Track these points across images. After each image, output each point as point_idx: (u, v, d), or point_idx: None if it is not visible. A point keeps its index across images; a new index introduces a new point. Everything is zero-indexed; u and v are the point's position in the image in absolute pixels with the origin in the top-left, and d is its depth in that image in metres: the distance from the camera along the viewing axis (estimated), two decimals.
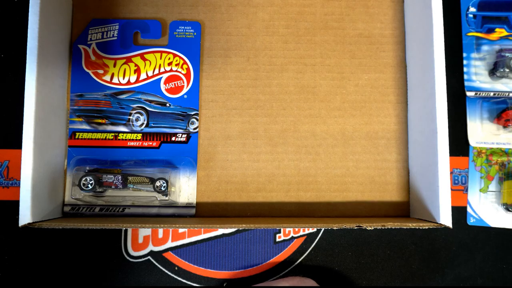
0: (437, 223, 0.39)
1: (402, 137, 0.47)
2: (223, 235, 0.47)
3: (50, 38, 0.42)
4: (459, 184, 0.48)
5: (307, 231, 0.47)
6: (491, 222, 0.47)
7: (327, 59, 0.48)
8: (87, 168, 0.44)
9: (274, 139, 0.46)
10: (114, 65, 0.45)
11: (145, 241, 0.46)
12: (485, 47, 0.49)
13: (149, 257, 0.46)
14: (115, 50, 0.45)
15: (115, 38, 0.45)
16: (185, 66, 0.45)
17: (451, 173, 0.48)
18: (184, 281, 0.46)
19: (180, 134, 0.44)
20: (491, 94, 0.48)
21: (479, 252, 0.47)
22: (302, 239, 0.47)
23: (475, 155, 0.48)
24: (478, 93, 0.49)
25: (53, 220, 0.42)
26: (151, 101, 0.44)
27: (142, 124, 0.44)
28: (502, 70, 0.47)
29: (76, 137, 0.44)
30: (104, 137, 0.44)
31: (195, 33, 0.46)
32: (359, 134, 0.47)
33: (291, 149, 0.46)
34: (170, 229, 0.47)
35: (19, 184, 0.41)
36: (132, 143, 0.44)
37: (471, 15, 0.50)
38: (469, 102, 0.49)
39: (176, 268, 0.46)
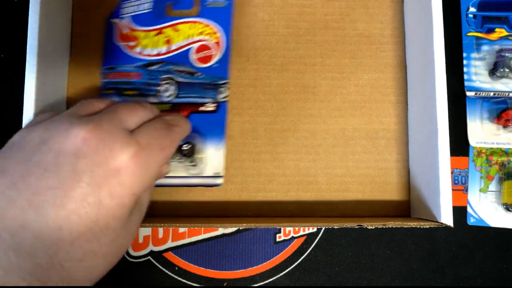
0: (438, 222, 0.39)
1: (402, 137, 0.47)
2: (223, 235, 0.47)
3: (50, 38, 0.42)
4: (459, 184, 0.48)
5: (307, 231, 0.47)
6: (491, 222, 0.47)
7: (327, 59, 0.48)
8: None
9: (274, 139, 0.46)
10: (146, 37, 0.45)
11: (145, 241, 0.46)
12: (485, 47, 0.49)
13: (149, 257, 0.46)
14: (148, 22, 0.45)
15: (148, 10, 0.45)
16: (215, 35, 0.44)
17: (451, 173, 0.48)
18: (184, 281, 0.46)
19: (209, 104, 0.44)
20: (491, 94, 0.48)
21: (479, 252, 0.47)
22: (302, 239, 0.47)
23: (475, 155, 0.48)
24: (478, 93, 0.49)
25: None
26: (180, 71, 0.44)
27: (171, 95, 0.44)
28: (502, 70, 0.47)
29: None
30: None
31: (226, 2, 0.45)
32: (359, 134, 0.47)
33: (291, 149, 0.46)
34: (170, 229, 0.46)
35: None
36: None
37: (471, 15, 0.50)
38: (469, 102, 0.49)
39: (176, 268, 0.46)
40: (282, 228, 0.47)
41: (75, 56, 0.47)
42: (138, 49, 0.44)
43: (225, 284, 0.46)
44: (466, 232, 0.48)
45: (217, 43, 0.44)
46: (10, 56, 0.48)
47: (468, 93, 0.49)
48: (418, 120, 0.45)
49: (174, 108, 0.44)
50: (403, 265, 0.47)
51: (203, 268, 0.46)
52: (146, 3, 0.45)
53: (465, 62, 0.49)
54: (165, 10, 0.45)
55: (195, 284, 0.46)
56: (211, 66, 0.44)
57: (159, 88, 0.43)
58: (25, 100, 0.39)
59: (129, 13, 0.45)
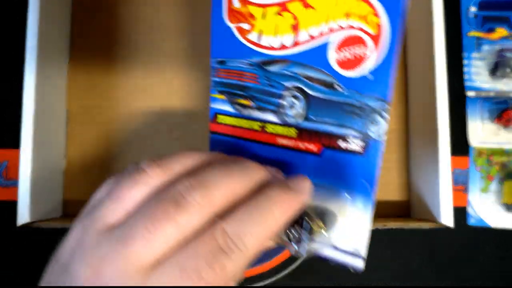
0: (438, 222, 0.39)
1: (402, 137, 0.47)
2: None
3: (50, 38, 0.42)
4: (460, 184, 0.48)
5: None
6: (491, 222, 0.47)
7: None
8: None
9: None
10: (263, 16, 0.29)
11: None
12: (485, 47, 0.49)
13: None
14: None
15: None
16: (375, 20, 0.26)
17: (451, 173, 0.48)
18: None
19: (353, 139, 0.28)
20: (492, 94, 0.48)
21: (479, 252, 0.47)
22: None
23: (475, 155, 0.48)
24: (479, 93, 0.48)
25: (52, 219, 0.42)
26: (312, 79, 0.28)
27: (298, 115, 0.29)
28: (502, 70, 0.47)
29: (218, 120, 0.32)
30: (249, 126, 0.31)
31: None
32: None
33: None
34: None
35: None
36: (283, 141, 0.30)
37: (471, 15, 0.50)
38: (470, 102, 0.49)
39: None
40: None
41: (75, 56, 0.47)
42: (253, 36, 0.30)
43: None
44: (466, 233, 0.47)
45: (377, 36, 0.26)
46: (10, 56, 0.48)
47: (469, 93, 0.49)
48: (418, 120, 0.45)
49: (301, 135, 0.29)
50: (403, 265, 0.47)
51: None
52: None
53: (465, 62, 0.49)
54: None
55: None
56: (362, 76, 0.27)
57: (281, 101, 0.30)
58: (24, 100, 0.39)
59: None
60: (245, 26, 0.30)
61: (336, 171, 0.28)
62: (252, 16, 0.30)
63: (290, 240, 0.26)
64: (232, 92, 0.32)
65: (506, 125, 0.47)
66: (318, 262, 0.47)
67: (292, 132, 0.30)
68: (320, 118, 0.29)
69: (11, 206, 0.46)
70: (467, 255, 0.47)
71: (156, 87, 0.47)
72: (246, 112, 0.31)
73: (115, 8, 0.48)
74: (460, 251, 0.47)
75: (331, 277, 0.46)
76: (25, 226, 0.39)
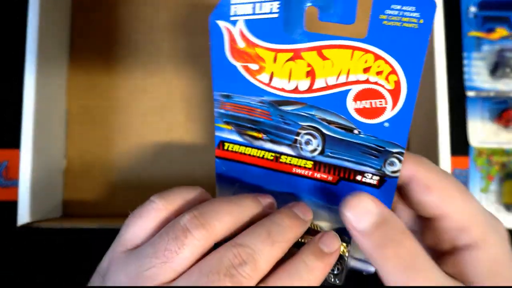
0: None
1: None
2: None
3: (49, 38, 0.42)
4: None
5: None
6: None
7: None
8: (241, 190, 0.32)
9: None
10: (275, 60, 0.29)
11: None
12: (485, 47, 0.49)
13: None
14: (276, 35, 0.28)
15: (275, 15, 0.28)
16: (392, 78, 0.27)
17: (451, 173, 0.48)
18: None
19: (370, 175, 0.29)
20: (492, 94, 0.48)
21: None
22: None
23: (475, 155, 0.48)
24: (479, 93, 0.48)
25: (52, 219, 0.42)
26: (330, 122, 0.29)
27: (315, 150, 0.30)
28: (503, 70, 0.47)
29: (225, 148, 0.31)
30: (261, 156, 0.31)
31: (421, 20, 0.27)
32: None
33: None
34: None
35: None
36: (298, 171, 0.31)
37: (471, 15, 0.50)
38: (470, 102, 0.49)
39: None
40: None
41: (75, 56, 0.47)
42: (263, 77, 0.29)
43: None
44: None
45: (396, 90, 0.28)
46: (10, 56, 0.48)
47: (469, 93, 0.49)
48: (418, 120, 0.44)
49: (317, 168, 0.30)
50: None
51: None
52: (271, 1, 0.28)
53: (465, 62, 0.49)
54: (304, 17, 0.28)
55: None
56: (380, 124, 0.28)
57: (297, 138, 0.30)
58: (24, 100, 0.39)
59: (242, 14, 0.29)
60: (253, 66, 0.29)
61: None
62: (260, 58, 0.29)
63: (330, 279, 0.29)
64: (241, 125, 0.30)
65: (506, 125, 0.47)
66: None
67: (309, 164, 0.30)
68: (337, 155, 0.29)
69: (11, 206, 0.46)
70: None
71: (156, 87, 0.47)
72: (258, 143, 0.30)
73: (115, 8, 0.48)
74: None
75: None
76: (25, 226, 0.39)
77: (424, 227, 0.28)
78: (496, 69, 0.48)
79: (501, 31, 0.49)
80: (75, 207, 0.46)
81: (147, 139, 0.47)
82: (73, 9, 0.48)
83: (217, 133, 0.31)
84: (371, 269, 0.31)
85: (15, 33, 0.48)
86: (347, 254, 0.30)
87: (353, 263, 0.31)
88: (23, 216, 0.38)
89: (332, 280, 0.30)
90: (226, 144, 0.31)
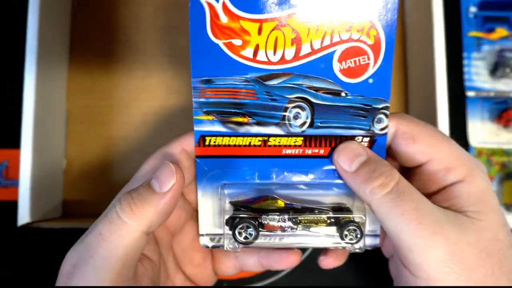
0: None
1: None
2: None
3: (50, 38, 0.42)
4: None
5: None
6: None
7: None
8: (229, 192, 0.31)
9: None
10: (259, 32, 0.28)
11: None
12: (485, 47, 0.49)
13: None
14: (260, 5, 0.27)
15: None
16: (372, 33, 0.28)
17: None
18: None
19: (360, 138, 0.29)
20: (492, 94, 0.48)
21: None
22: None
23: (475, 155, 0.48)
24: (479, 93, 0.48)
25: (52, 219, 0.42)
26: (317, 89, 0.29)
27: (304, 123, 0.29)
28: (502, 70, 0.47)
29: (206, 143, 0.30)
30: (247, 143, 0.30)
31: None
32: None
33: None
34: None
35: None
36: (289, 151, 0.30)
37: (471, 15, 0.50)
38: (470, 102, 0.49)
39: None
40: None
41: (75, 56, 0.47)
42: (248, 51, 0.28)
43: (225, 284, 0.46)
44: None
45: (376, 45, 0.28)
46: (10, 56, 0.48)
47: (469, 93, 0.49)
48: None
49: (307, 143, 0.30)
50: None
51: None
52: None
53: (465, 62, 0.49)
54: None
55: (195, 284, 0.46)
56: (365, 81, 0.29)
57: (286, 114, 0.29)
58: (24, 100, 0.39)
59: None
60: (237, 41, 0.28)
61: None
62: (245, 31, 0.28)
63: (344, 241, 0.30)
64: (224, 111, 0.29)
65: (506, 125, 0.47)
66: (318, 262, 0.47)
67: (298, 141, 0.30)
68: (326, 123, 0.30)
69: (11, 206, 0.46)
70: None
71: (156, 87, 0.47)
72: (243, 129, 0.29)
73: (115, 8, 0.48)
74: None
75: (331, 277, 0.46)
76: (25, 226, 0.39)
77: (411, 176, 0.29)
78: (496, 69, 0.48)
79: (501, 31, 0.49)
80: (75, 207, 0.46)
81: (147, 139, 0.47)
82: (73, 9, 0.48)
83: (197, 127, 0.30)
84: (377, 242, 0.31)
85: (15, 33, 0.48)
86: (364, 219, 0.30)
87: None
88: (23, 216, 0.38)
89: (353, 249, 0.30)
90: (208, 138, 0.30)
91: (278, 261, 0.31)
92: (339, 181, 0.30)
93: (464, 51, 0.49)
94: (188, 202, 0.31)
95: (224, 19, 0.27)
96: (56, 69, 0.44)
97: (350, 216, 0.30)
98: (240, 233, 0.29)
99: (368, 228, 0.31)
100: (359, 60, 0.28)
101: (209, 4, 0.27)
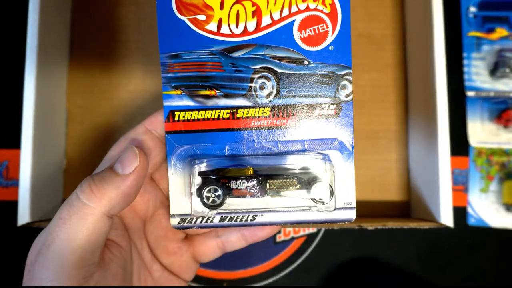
0: (438, 222, 0.39)
1: (402, 137, 0.47)
2: None
3: (50, 38, 0.42)
4: (459, 184, 0.48)
5: (307, 231, 0.47)
6: (491, 222, 0.47)
7: None
8: (199, 166, 0.30)
9: None
10: (222, 7, 0.30)
11: None
12: (485, 47, 0.49)
13: None
14: None
15: None
16: (328, 1, 0.30)
17: (451, 173, 0.48)
18: None
19: (327, 105, 0.30)
20: (492, 94, 0.48)
21: (479, 252, 0.47)
22: (303, 239, 0.47)
23: (475, 155, 0.48)
24: (479, 93, 0.48)
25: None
26: (280, 58, 0.30)
27: (270, 94, 0.30)
28: (502, 70, 0.47)
29: (176, 118, 0.30)
30: (216, 116, 0.30)
31: None
32: (360, 134, 0.47)
33: None
34: None
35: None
36: (257, 123, 0.31)
37: (471, 15, 0.50)
38: (470, 102, 0.49)
39: None
40: (282, 228, 0.47)
41: (75, 56, 0.47)
42: (212, 26, 0.30)
43: (225, 284, 0.46)
44: (467, 233, 0.47)
45: (332, 13, 0.30)
46: (10, 56, 0.48)
47: (469, 93, 0.49)
48: (418, 120, 0.45)
49: (276, 113, 0.30)
50: (403, 265, 0.47)
51: (203, 269, 0.46)
52: None
53: (465, 62, 0.49)
54: None
55: (195, 284, 0.46)
56: (325, 48, 0.30)
57: (252, 84, 0.30)
58: (24, 100, 0.39)
59: None
60: (201, 17, 0.30)
61: (316, 137, 0.31)
62: (208, 7, 0.30)
63: (314, 201, 0.30)
64: (192, 85, 0.30)
65: (506, 125, 0.47)
66: (318, 263, 0.47)
67: (266, 111, 0.30)
68: (292, 92, 0.30)
69: (11, 206, 0.46)
70: (467, 255, 0.47)
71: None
72: (211, 102, 0.30)
73: (115, 8, 0.48)
74: (460, 251, 0.47)
75: (331, 277, 0.46)
76: (25, 226, 0.39)
77: None
78: (496, 69, 0.48)
79: (501, 31, 0.49)
80: None
81: None
82: (73, 9, 0.48)
83: (166, 103, 0.30)
84: (352, 215, 0.31)
85: (15, 33, 0.48)
86: (333, 178, 0.30)
87: (334, 215, 0.30)
88: (23, 216, 0.38)
89: (325, 209, 0.30)
90: (177, 113, 0.30)
91: (261, 229, 0.31)
92: (309, 151, 0.31)
93: (464, 51, 0.49)
94: (158, 188, 0.31)
95: None
96: (56, 69, 0.44)
97: (320, 177, 0.30)
98: (207, 197, 0.29)
99: (342, 199, 0.30)
100: (317, 28, 0.30)
101: None
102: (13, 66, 0.48)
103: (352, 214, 0.30)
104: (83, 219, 0.25)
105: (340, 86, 0.30)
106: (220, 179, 0.30)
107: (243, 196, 0.30)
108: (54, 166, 0.44)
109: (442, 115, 0.40)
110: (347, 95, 0.30)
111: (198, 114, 0.30)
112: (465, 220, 0.47)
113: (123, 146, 0.29)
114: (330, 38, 0.30)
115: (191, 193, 0.30)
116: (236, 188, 0.30)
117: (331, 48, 0.30)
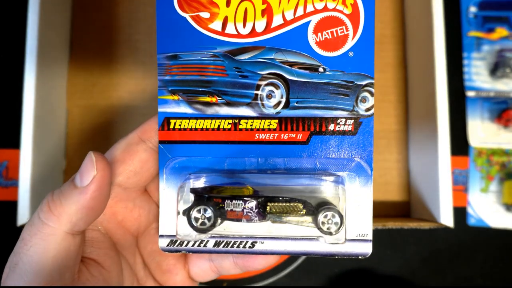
0: (438, 223, 0.39)
1: (402, 137, 0.47)
2: None
3: (49, 38, 0.42)
4: (460, 184, 0.48)
5: None
6: (491, 222, 0.47)
7: None
8: (193, 181, 0.27)
9: None
10: (228, 4, 0.26)
11: None
12: (485, 47, 0.49)
13: None
14: None
15: None
16: (349, 1, 0.26)
17: (451, 173, 0.48)
18: None
19: (343, 120, 0.26)
20: (492, 94, 0.48)
21: (479, 252, 0.47)
22: None
23: (475, 155, 0.48)
24: (479, 93, 0.48)
25: None
26: (292, 64, 0.26)
27: (279, 103, 0.26)
28: (502, 70, 0.47)
29: (171, 126, 0.27)
30: (216, 127, 0.27)
31: None
32: None
33: None
34: None
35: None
36: (262, 136, 0.27)
37: (471, 15, 0.50)
38: (470, 102, 0.49)
39: None
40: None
41: (75, 56, 0.47)
42: (216, 24, 0.26)
43: (224, 284, 0.46)
44: (467, 233, 0.47)
45: (354, 14, 0.26)
46: (10, 56, 0.48)
47: (469, 93, 0.49)
48: (418, 120, 0.45)
49: (284, 125, 0.27)
50: (403, 265, 0.47)
51: None
52: None
53: (465, 62, 0.49)
54: None
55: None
56: (344, 55, 0.26)
57: (258, 92, 0.26)
58: (24, 100, 0.39)
59: None
60: (205, 15, 0.26)
61: (329, 157, 0.27)
62: (213, 3, 0.26)
63: (321, 231, 0.25)
64: (191, 90, 0.26)
65: (506, 125, 0.47)
66: (318, 263, 0.47)
67: (273, 124, 0.26)
68: (304, 103, 0.26)
69: (11, 206, 0.46)
70: (467, 255, 0.47)
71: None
72: (211, 110, 0.26)
73: (115, 8, 0.48)
74: (460, 251, 0.47)
75: (331, 277, 0.46)
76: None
77: None
78: (496, 69, 0.48)
79: (501, 31, 0.49)
80: None
81: None
82: (73, 9, 0.48)
83: (161, 108, 0.27)
84: (368, 250, 0.27)
85: (15, 33, 0.48)
86: (344, 208, 0.26)
87: (347, 248, 0.26)
88: (23, 216, 0.38)
89: (333, 241, 0.26)
90: (173, 121, 0.27)
91: (254, 261, 0.27)
92: (320, 171, 0.27)
93: (464, 51, 0.49)
94: (152, 201, 0.28)
95: None
96: (56, 69, 0.44)
97: (330, 204, 0.26)
98: (196, 219, 0.25)
99: (356, 230, 0.26)
100: (336, 31, 0.26)
101: None
102: (13, 66, 0.48)
103: (367, 248, 0.26)
104: (44, 240, 0.22)
105: (360, 98, 0.26)
106: (213, 198, 0.26)
107: (238, 220, 0.26)
108: (54, 166, 0.44)
109: (442, 115, 0.39)
110: (368, 109, 0.26)
111: (196, 123, 0.27)
112: (465, 220, 0.47)
113: (113, 156, 0.26)
114: (350, 43, 0.26)
115: (178, 212, 0.26)
116: (231, 210, 0.26)
117: (350, 54, 0.26)
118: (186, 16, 0.26)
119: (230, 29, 0.26)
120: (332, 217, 0.25)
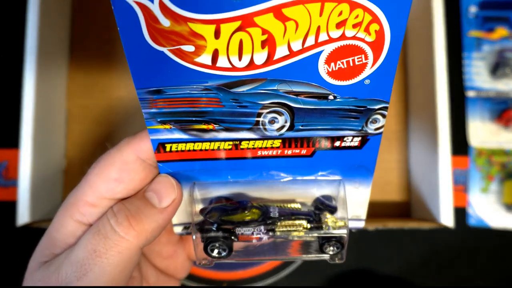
0: (438, 223, 0.39)
1: (402, 137, 0.47)
2: None
3: (49, 38, 0.42)
4: (460, 184, 0.48)
5: None
6: (491, 222, 0.47)
7: None
8: (199, 192, 0.27)
9: None
10: (217, 35, 0.21)
11: None
12: (486, 47, 0.49)
13: None
14: (213, 2, 0.20)
15: None
16: (374, 28, 0.22)
17: (451, 173, 0.48)
18: (184, 281, 0.46)
19: (350, 138, 0.25)
20: (492, 94, 0.48)
21: (479, 252, 0.47)
22: None
23: (475, 155, 0.48)
24: (479, 93, 0.48)
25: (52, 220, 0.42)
26: (298, 94, 0.24)
27: (282, 127, 0.25)
28: (503, 70, 0.47)
29: (168, 149, 0.25)
30: (216, 147, 0.26)
31: None
32: None
33: None
34: None
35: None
36: (265, 152, 0.26)
37: (471, 15, 0.50)
38: (470, 102, 0.49)
39: None
40: None
41: (75, 56, 0.47)
42: (204, 59, 0.22)
43: (224, 284, 0.46)
44: (467, 233, 0.47)
45: (377, 42, 0.22)
46: (10, 56, 0.48)
47: (469, 93, 0.49)
48: (418, 120, 0.44)
49: (286, 144, 0.25)
50: (403, 265, 0.47)
51: (203, 269, 0.46)
52: None
53: (465, 62, 0.49)
54: None
55: (195, 284, 0.46)
56: (359, 83, 0.23)
57: (260, 119, 0.24)
58: (24, 100, 0.39)
59: None
60: (188, 48, 0.22)
61: (331, 166, 0.27)
62: (197, 35, 0.21)
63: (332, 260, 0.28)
64: (183, 120, 0.24)
65: (506, 125, 0.47)
66: (318, 263, 0.47)
67: (276, 143, 0.25)
68: (309, 126, 0.25)
69: (11, 206, 0.46)
70: (467, 255, 0.47)
71: None
72: (209, 135, 0.25)
73: None
74: (460, 251, 0.47)
75: (331, 277, 0.46)
76: (25, 226, 0.39)
77: None
78: (496, 69, 0.48)
79: (501, 31, 0.49)
80: None
81: None
82: (73, 9, 0.48)
83: (153, 136, 0.25)
84: (361, 225, 0.30)
85: (15, 33, 0.48)
86: (345, 233, 0.27)
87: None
88: (23, 216, 0.38)
89: (334, 260, 0.28)
90: (168, 145, 0.25)
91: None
92: (322, 178, 0.27)
93: (464, 51, 0.49)
94: None
95: (165, 22, 0.21)
96: (56, 69, 0.44)
97: (332, 232, 0.27)
98: (212, 250, 0.27)
99: (352, 213, 0.29)
100: (353, 60, 0.23)
101: (141, 5, 0.20)
102: (13, 65, 0.48)
103: (360, 224, 0.29)
104: (121, 254, 0.23)
105: (371, 120, 0.25)
106: (223, 225, 0.27)
107: (250, 241, 0.27)
108: (54, 166, 0.44)
109: (442, 115, 0.39)
110: (377, 129, 0.25)
111: (194, 146, 0.25)
112: (465, 220, 0.47)
113: (114, 169, 0.26)
114: (368, 71, 0.23)
115: (192, 237, 0.27)
116: (242, 234, 0.26)
117: (366, 82, 0.23)
118: (164, 50, 0.22)
119: (222, 62, 0.22)
120: (334, 245, 0.27)
